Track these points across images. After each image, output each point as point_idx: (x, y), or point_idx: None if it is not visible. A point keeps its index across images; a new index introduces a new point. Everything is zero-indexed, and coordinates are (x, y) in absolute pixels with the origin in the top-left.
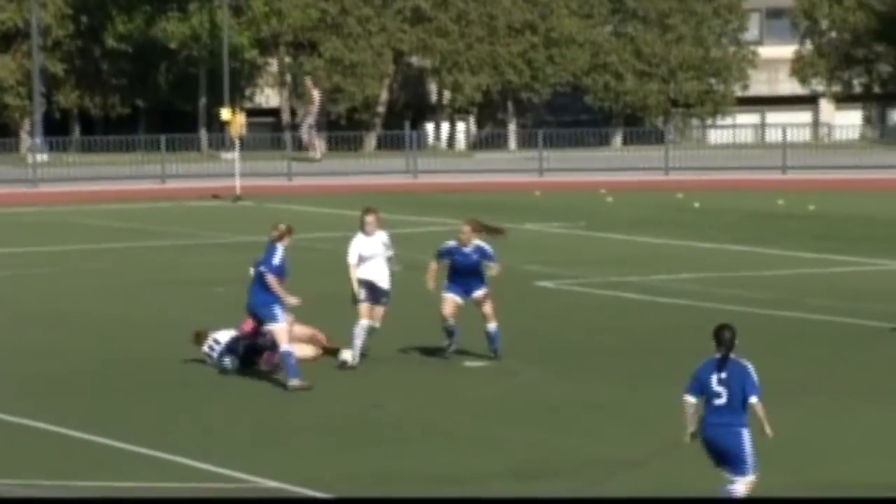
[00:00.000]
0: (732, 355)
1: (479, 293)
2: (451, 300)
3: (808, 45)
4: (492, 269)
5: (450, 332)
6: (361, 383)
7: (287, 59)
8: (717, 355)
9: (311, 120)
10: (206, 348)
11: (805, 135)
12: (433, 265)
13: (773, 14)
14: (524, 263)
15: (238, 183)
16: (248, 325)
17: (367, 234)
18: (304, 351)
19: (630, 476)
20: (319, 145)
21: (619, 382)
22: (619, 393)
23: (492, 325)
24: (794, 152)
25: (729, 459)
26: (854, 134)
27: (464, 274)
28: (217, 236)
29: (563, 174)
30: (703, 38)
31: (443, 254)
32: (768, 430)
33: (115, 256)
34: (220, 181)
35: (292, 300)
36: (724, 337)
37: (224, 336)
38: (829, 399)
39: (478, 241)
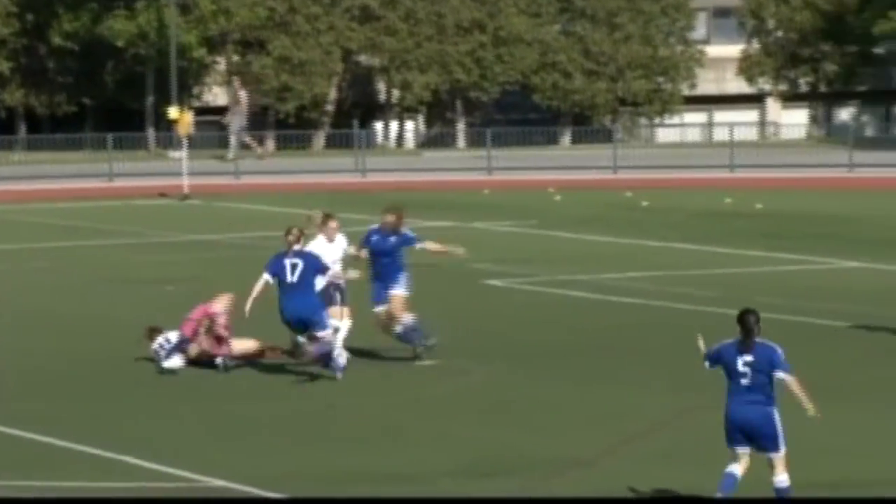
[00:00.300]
0: (758, 338)
1: (391, 292)
2: (379, 316)
3: (755, 45)
4: (454, 251)
5: (405, 340)
6: (313, 382)
7: (235, 58)
8: (741, 338)
9: (240, 121)
10: (155, 345)
11: (752, 133)
12: (362, 252)
13: (721, 13)
14: (473, 262)
15: (186, 182)
16: (189, 327)
17: (329, 239)
18: (247, 345)
19: (580, 474)
20: (258, 145)
21: (569, 381)
22: (569, 391)
23: (406, 320)
24: (742, 151)
25: (760, 437)
26: (800, 133)
27: (379, 259)
28: (165, 235)
29: (512, 173)
30: (651, 37)
31: (365, 238)
32: (809, 406)
33: (62, 255)
34: (167, 180)
35: (353, 274)
36: (748, 321)
37: (176, 336)
38: (783, 397)
39: (404, 230)
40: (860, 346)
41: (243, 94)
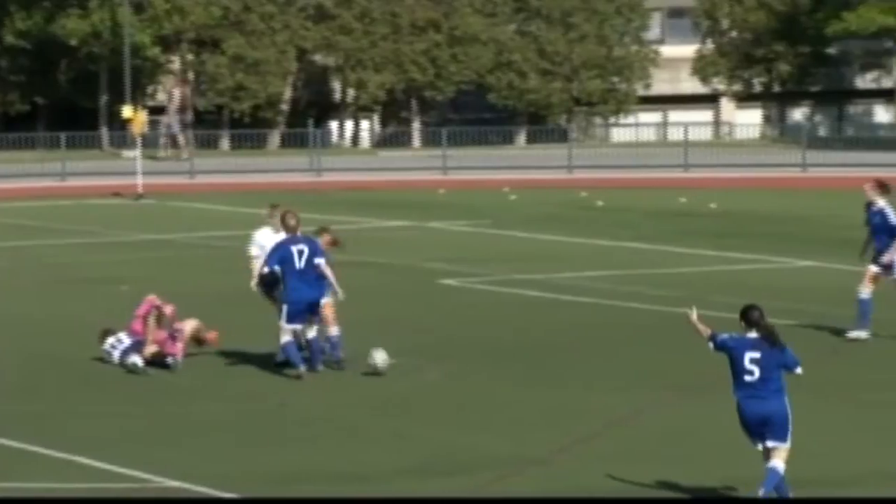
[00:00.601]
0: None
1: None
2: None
3: (710, 45)
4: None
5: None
6: (267, 381)
7: (190, 57)
8: (751, 335)
9: (171, 119)
10: (106, 346)
11: (706, 133)
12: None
13: (675, 13)
14: (428, 261)
15: (140, 181)
16: (139, 323)
17: (276, 230)
18: (192, 323)
19: (538, 473)
20: (183, 144)
21: (524, 380)
22: (525, 390)
23: (334, 330)
24: (696, 150)
25: (772, 425)
26: (754, 133)
27: None
28: (119, 234)
29: (468, 172)
30: (606, 37)
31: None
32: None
33: (16, 255)
34: (121, 179)
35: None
36: (752, 317)
37: (126, 336)
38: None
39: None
40: (810, 345)
41: (177, 92)
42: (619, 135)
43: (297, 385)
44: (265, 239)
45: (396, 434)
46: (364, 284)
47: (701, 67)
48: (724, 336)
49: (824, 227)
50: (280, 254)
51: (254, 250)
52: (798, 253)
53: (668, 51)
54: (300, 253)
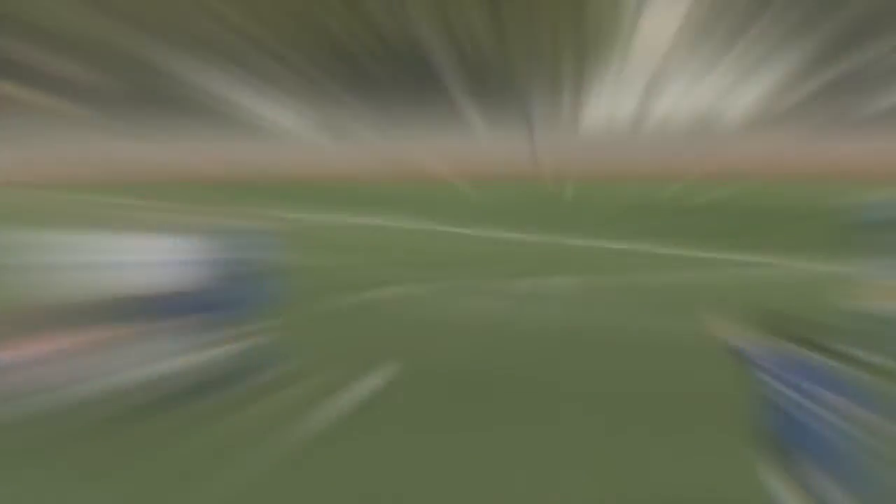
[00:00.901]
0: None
1: None
2: None
3: (696, 10)
4: None
5: None
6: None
7: None
8: (773, 347)
9: None
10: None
11: (692, 114)
12: None
13: None
14: (369, 266)
15: None
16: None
17: (157, 233)
18: (41, 344)
19: None
20: None
21: (476, 414)
22: (476, 428)
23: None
24: (682, 135)
25: (797, 450)
26: (749, 115)
27: None
28: None
29: (418, 161)
30: None
31: None
32: None
33: None
34: None
35: None
36: (773, 326)
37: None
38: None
39: None
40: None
41: None
42: (592, 117)
43: (232, 407)
44: (136, 243)
45: (343, 458)
46: (296, 292)
47: (688, 37)
48: (741, 347)
49: (825, 224)
50: (209, 259)
51: (117, 257)
52: (793, 253)
53: (649, 19)
54: (235, 252)
